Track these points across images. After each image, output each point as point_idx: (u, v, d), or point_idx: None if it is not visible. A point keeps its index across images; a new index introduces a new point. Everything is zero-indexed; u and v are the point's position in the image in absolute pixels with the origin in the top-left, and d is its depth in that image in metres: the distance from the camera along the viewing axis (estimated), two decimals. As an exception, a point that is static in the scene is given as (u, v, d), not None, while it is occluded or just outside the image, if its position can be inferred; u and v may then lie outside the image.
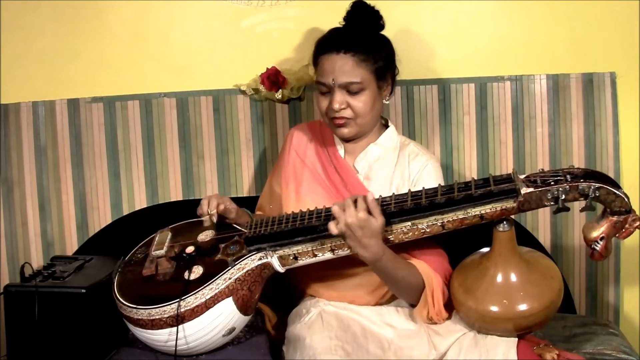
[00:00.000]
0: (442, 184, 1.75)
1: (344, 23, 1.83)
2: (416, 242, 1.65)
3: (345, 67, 1.73)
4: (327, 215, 1.62)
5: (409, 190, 1.63)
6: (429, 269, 1.68)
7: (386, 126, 1.89)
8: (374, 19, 1.82)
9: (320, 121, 1.96)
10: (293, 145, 1.91)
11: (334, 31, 1.83)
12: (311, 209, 1.67)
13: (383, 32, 1.84)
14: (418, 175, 1.80)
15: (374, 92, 1.77)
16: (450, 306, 1.71)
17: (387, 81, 1.81)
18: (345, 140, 1.85)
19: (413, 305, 1.72)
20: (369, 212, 1.54)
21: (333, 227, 1.55)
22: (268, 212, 1.95)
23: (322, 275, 1.78)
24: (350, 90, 1.74)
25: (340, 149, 1.87)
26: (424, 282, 1.66)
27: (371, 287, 1.78)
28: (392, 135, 1.87)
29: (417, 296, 1.68)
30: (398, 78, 1.91)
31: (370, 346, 1.65)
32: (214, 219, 1.75)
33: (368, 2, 1.83)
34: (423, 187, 1.62)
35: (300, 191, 1.83)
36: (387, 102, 1.86)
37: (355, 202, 1.54)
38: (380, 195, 1.64)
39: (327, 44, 1.78)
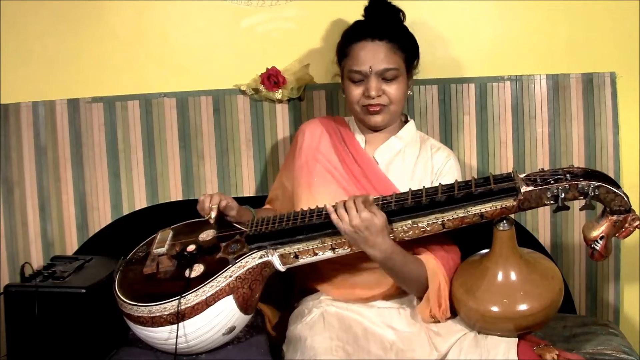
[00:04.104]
0: (462, 179, 1.76)
1: (364, 17, 1.85)
2: (431, 236, 1.65)
3: (381, 55, 1.76)
4: (327, 213, 1.62)
5: (410, 189, 1.63)
6: (437, 266, 1.68)
7: (406, 121, 1.90)
8: (394, 13, 1.85)
9: (332, 116, 1.96)
10: (305, 140, 1.90)
11: (361, 22, 1.85)
12: (323, 203, 1.66)
13: None
14: (442, 169, 1.82)
15: (405, 81, 1.80)
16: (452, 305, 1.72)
17: (412, 72, 1.85)
18: (374, 129, 1.85)
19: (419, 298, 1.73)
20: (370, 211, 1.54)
21: (342, 226, 1.56)
22: (278, 206, 1.96)
23: (326, 271, 1.78)
24: (386, 77, 1.76)
25: (361, 140, 1.88)
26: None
27: (374, 283, 1.77)
28: (412, 129, 1.89)
29: (423, 290, 1.69)
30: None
31: (371, 347, 1.65)
32: (213, 214, 1.73)
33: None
34: (423, 186, 1.63)
35: (313, 185, 1.83)
36: (411, 93, 1.87)
37: (354, 202, 1.55)
38: (381, 196, 1.65)
39: (360, 33, 1.80)
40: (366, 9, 1.85)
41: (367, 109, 1.79)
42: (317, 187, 1.82)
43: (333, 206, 1.58)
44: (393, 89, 1.77)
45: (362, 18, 1.85)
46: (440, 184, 1.61)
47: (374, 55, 1.75)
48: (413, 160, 1.84)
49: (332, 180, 1.82)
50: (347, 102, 1.84)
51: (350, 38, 1.81)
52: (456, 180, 1.61)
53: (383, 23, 1.80)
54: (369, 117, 1.80)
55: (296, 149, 1.92)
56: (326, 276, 1.80)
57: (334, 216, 1.56)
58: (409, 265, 1.65)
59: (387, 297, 1.79)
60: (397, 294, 1.79)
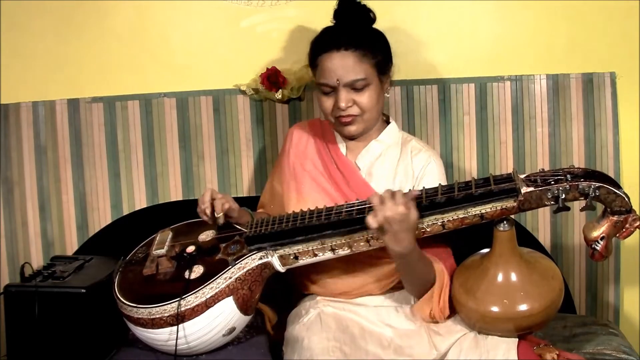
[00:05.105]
0: (445, 180, 1.75)
1: (334, 22, 1.82)
2: (427, 239, 1.65)
3: (347, 65, 1.72)
4: (327, 214, 1.62)
5: (410, 190, 1.63)
6: (441, 266, 1.67)
7: (387, 122, 1.89)
8: (364, 13, 1.81)
9: (321, 119, 1.96)
10: (293, 144, 1.91)
11: (328, 30, 1.81)
12: (312, 208, 1.67)
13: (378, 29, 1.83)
14: (422, 172, 1.79)
15: (377, 86, 1.77)
16: (452, 305, 1.71)
17: (386, 74, 1.81)
18: (352, 138, 1.84)
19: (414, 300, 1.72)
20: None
21: (372, 221, 1.50)
22: (269, 210, 1.95)
23: (326, 267, 1.77)
24: (356, 87, 1.73)
25: (342, 147, 1.87)
26: (435, 279, 1.66)
27: (375, 277, 1.77)
28: (393, 131, 1.87)
29: (424, 291, 1.67)
30: (398, 78, 1.92)
31: (369, 346, 1.65)
32: (221, 221, 1.73)
33: (367, 2, 1.83)
34: (423, 187, 1.62)
35: (301, 190, 1.83)
36: (388, 95, 1.85)
37: (393, 195, 1.51)
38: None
39: (326, 43, 1.76)
40: (335, 12, 1.81)
41: (339, 120, 1.77)
42: (306, 192, 1.82)
43: (374, 195, 1.53)
44: (364, 98, 1.74)
45: (334, 21, 1.82)
46: (440, 184, 1.61)
47: (342, 66, 1.72)
48: (394, 163, 1.82)
49: (318, 185, 1.82)
50: (322, 112, 1.83)
51: (317, 49, 1.78)
52: (456, 181, 1.61)
53: (351, 29, 1.76)
54: (343, 128, 1.79)
55: (285, 152, 1.92)
56: (321, 275, 1.80)
57: (374, 200, 1.51)
58: (421, 266, 1.64)
59: (363, 295, 1.79)
60: (391, 292, 1.80)
